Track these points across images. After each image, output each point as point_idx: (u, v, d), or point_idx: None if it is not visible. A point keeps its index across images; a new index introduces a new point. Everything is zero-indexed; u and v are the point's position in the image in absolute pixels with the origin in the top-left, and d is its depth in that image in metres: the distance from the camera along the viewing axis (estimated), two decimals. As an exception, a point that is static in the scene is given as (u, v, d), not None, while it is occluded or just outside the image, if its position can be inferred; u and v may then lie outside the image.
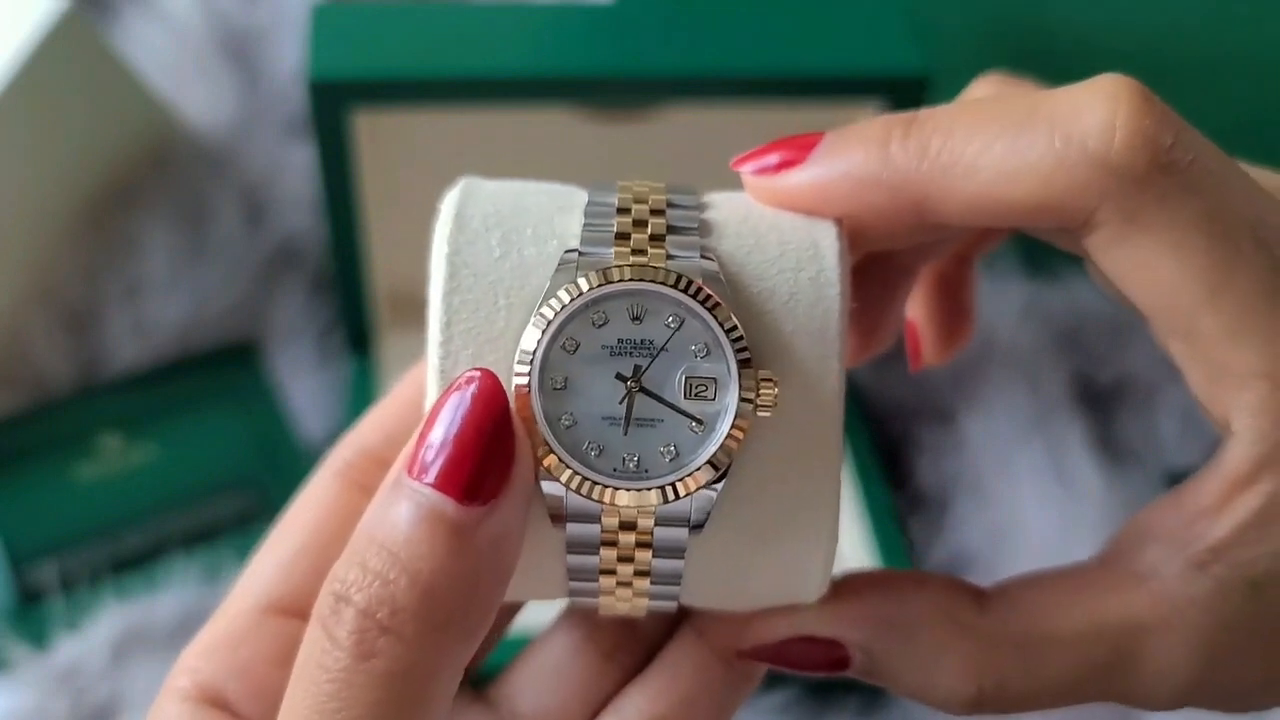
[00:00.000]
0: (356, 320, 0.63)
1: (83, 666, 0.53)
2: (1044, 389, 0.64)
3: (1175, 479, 0.62)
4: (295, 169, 0.67)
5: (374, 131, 0.57)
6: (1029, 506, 0.61)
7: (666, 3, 0.57)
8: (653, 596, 0.29)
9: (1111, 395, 0.66)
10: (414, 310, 0.63)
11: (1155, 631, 0.28)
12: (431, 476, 0.25)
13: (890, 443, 0.64)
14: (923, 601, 0.30)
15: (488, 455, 0.25)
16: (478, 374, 0.26)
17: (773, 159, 0.30)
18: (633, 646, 0.32)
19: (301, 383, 0.64)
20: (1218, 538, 0.28)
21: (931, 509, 0.62)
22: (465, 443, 0.25)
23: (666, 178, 0.31)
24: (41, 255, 0.63)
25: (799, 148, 0.30)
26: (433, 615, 0.24)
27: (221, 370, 0.64)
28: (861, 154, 0.29)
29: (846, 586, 0.30)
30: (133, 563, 0.58)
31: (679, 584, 0.29)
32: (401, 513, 0.25)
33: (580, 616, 0.32)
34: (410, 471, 0.25)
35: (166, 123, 0.67)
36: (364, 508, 0.29)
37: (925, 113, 0.29)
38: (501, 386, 0.26)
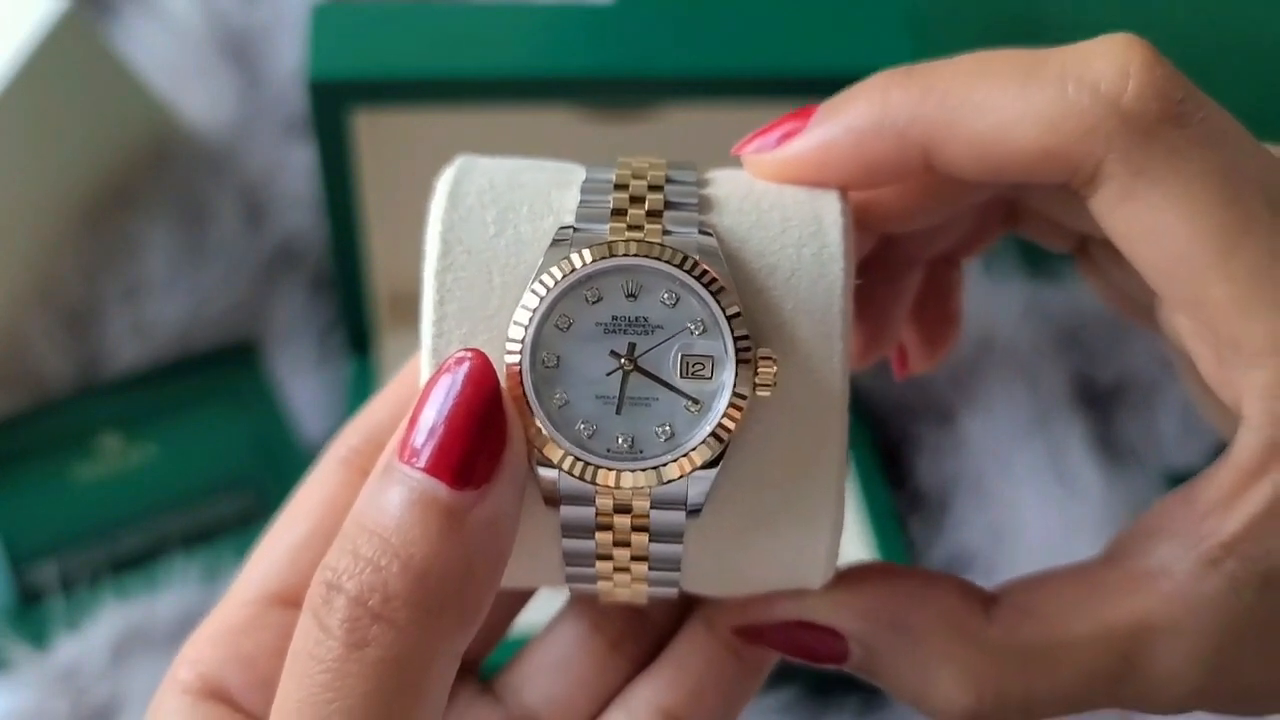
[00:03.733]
0: (356, 320, 0.63)
1: (83, 666, 0.53)
2: (1044, 389, 0.64)
3: (1175, 479, 0.63)
4: (295, 169, 0.67)
5: (374, 131, 0.57)
6: (1029, 506, 0.61)
7: (666, 3, 0.57)
8: (652, 583, 0.28)
9: (1111, 395, 0.66)
10: (414, 310, 0.63)
11: (1166, 633, 0.27)
12: (423, 461, 0.25)
13: (890, 443, 0.64)
14: (929, 604, 0.29)
15: (479, 438, 0.25)
16: (468, 355, 0.26)
17: (774, 136, 0.30)
18: (640, 636, 0.31)
19: (301, 383, 0.64)
20: (1230, 532, 0.26)
21: (931, 509, 0.62)
22: (456, 426, 0.25)
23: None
24: (41, 255, 0.63)
25: (798, 118, 0.29)
26: (426, 601, 0.24)
27: (221, 370, 0.64)
28: (863, 105, 0.28)
29: (853, 577, 0.30)
30: (133, 563, 0.58)
31: (679, 570, 0.28)
32: (393, 498, 0.24)
33: (586, 606, 0.32)
34: (401, 456, 0.25)
35: (166, 123, 0.67)
36: None
37: (925, 63, 0.28)
38: (492, 367, 0.26)
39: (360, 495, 0.25)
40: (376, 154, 0.58)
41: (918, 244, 0.34)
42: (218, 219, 0.66)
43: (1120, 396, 0.66)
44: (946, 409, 0.64)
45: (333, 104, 0.54)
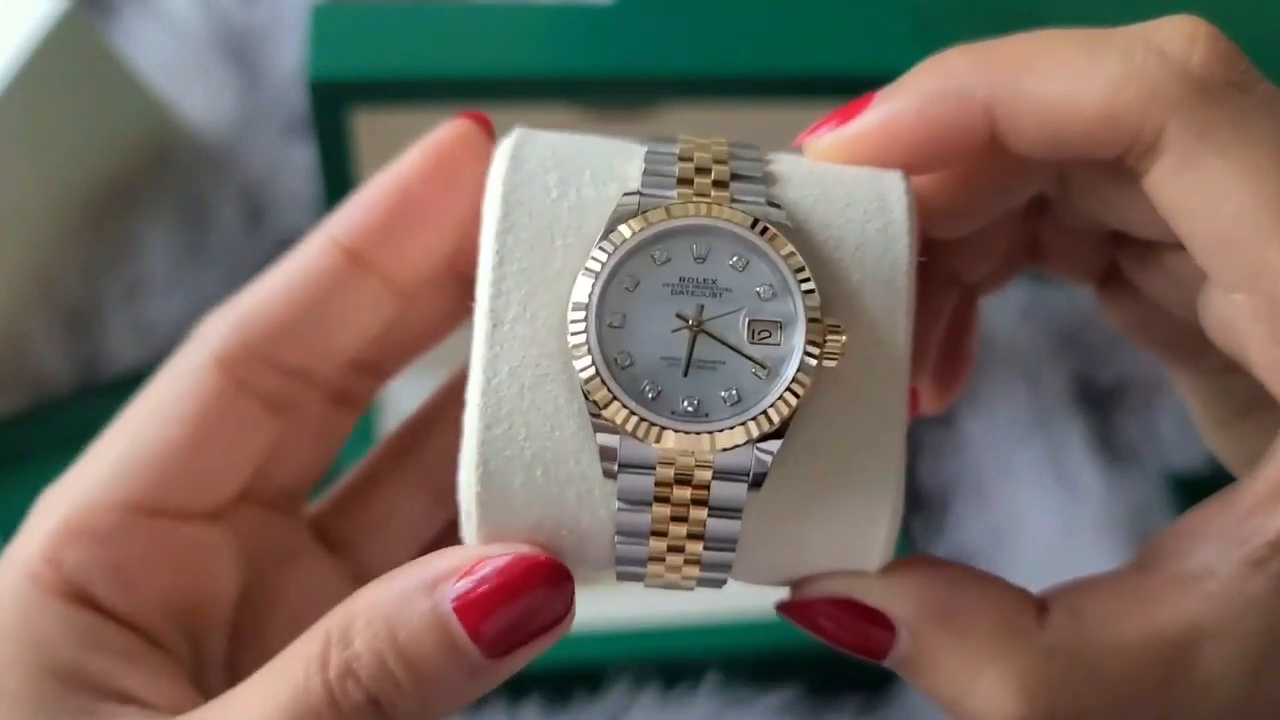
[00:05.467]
0: (356, 320, 0.63)
1: (83, 666, 0.53)
2: (1044, 389, 0.64)
3: (1175, 479, 0.63)
4: (295, 169, 0.67)
5: (374, 131, 0.57)
6: (1029, 506, 0.61)
7: (666, 3, 0.57)
8: (705, 564, 0.27)
9: (1111, 395, 0.66)
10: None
11: (1212, 637, 0.26)
12: (475, 627, 0.26)
13: (890, 443, 0.64)
14: (983, 599, 0.28)
15: (535, 639, 0.26)
16: (566, 584, 0.26)
17: (835, 121, 0.29)
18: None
19: (301, 383, 0.64)
20: (1276, 530, 0.25)
21: (932, 509, 0.63)
22: (520, 631, 0.26)
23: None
24: (41, 255, 0.63)
25: (859, 104, 0.29)
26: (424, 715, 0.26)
27: (221, 370, 0.63)
28: (927, 76, 0.28)
29: (905, 565, 0.29)
30: (133, 563, 0.57)
31: (734, 550, 0.27)
32: (430, 635, 0.26)
33: (403, 453, 0.34)
34: (456, 604, 0.26)
35: (166, 123, 0.67)
36: (250, 414, 0.30)
37: (988, 40, 0.28)
38: (572, 584, 0.26)
39: (395, 583, 0.26)
40: (376, 154, 0.58)
41: (956, 258, 0.34)
42: (218, 219, 0.66)
43: (1120, 397, 0.66)
44: (947, 409, 0.64)
45: (333, 104, 0.54)
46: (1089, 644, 0.27)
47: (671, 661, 0.56)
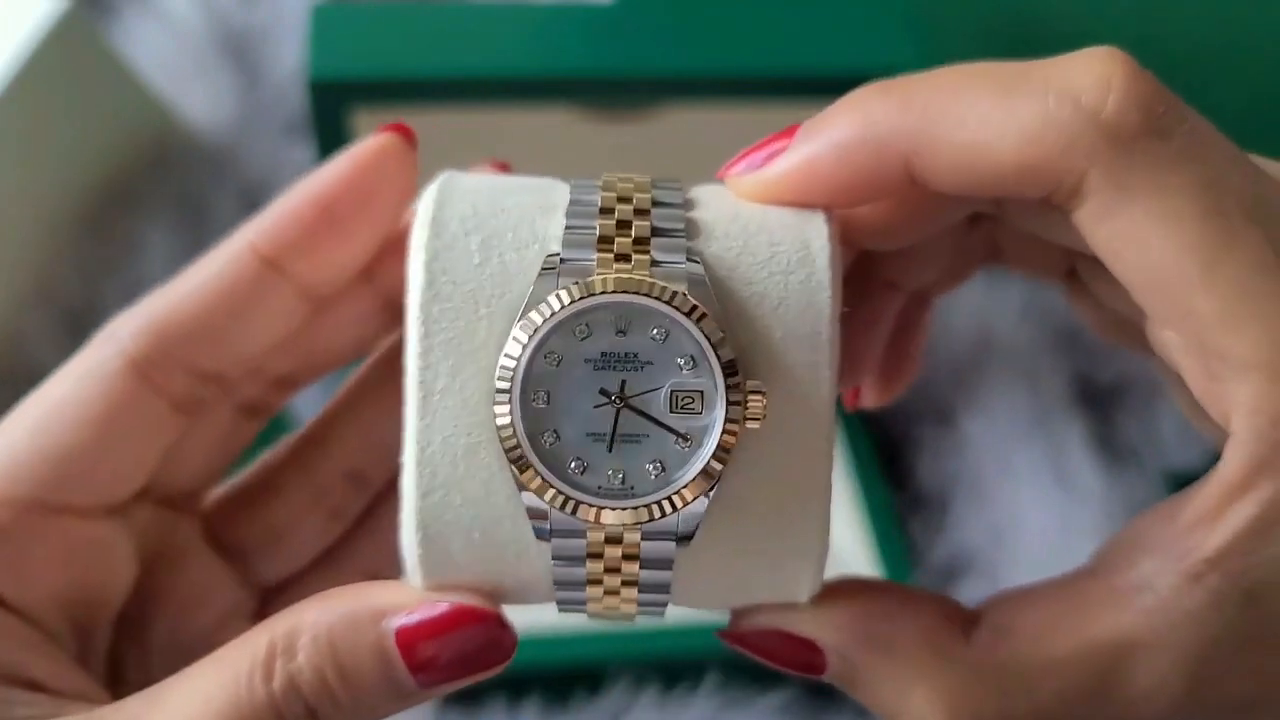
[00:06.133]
0: (356, 320, 0.63)
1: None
2: (1044, 389, 0.64)
3: (1175, 479, 0.63)
4: (295, 169, 0.67)
5: (374, 131, 0.57)
6: (1029, 506, 0.61)
7: (666, 3, 0.57)
8: (642, 604, 0.29)
9: (1111, 395, 0.66)
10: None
11: (1147, 649, 0.26)
12: (414, 662, 0.27)
13: (890, 443, 0.65)
14: (907, 621, 0.28)
15: (471, 677, 0.27)
16: (498, 624, 0.27)
17: (759, 156, 0.29)
18: (356, 501, 0.35)
19: (301, 383, 0.64)
20: (1214, 547, 0.26)
21: (931, 509, 0.63)
22: (456, 670, 0.27)
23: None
24: (41, 255, 0.63)
25: (783, 137, 0.29)
26: None
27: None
28: (844, 120, 0.28)
29: (837, 592, 0.30)
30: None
31: (667, 593, 0.28)
32: (371, 662, 0.27)
33: (304, 462, 0.34)
34: (399, 638, 0.27)
35: (166, 123, 0.67)
36: (157, 415, 0.30)
37: (905, 76, 0.28)
38: (513, 641, 0.27)
39: (346, 609, 0.27)
40: (376, 154, 0.58)
41: (898, 267, 0.34)
42: (218, 219, 0.66)
43: (1120, 396, 0.66)
44: (946, 409, 0.64)
45: (333, 104, 0.54)
46: (1019, 657, 0.27)
47: (671, 661, 0.56)
